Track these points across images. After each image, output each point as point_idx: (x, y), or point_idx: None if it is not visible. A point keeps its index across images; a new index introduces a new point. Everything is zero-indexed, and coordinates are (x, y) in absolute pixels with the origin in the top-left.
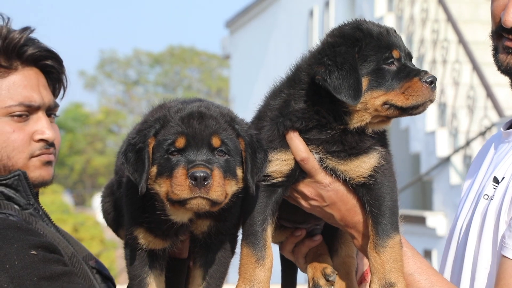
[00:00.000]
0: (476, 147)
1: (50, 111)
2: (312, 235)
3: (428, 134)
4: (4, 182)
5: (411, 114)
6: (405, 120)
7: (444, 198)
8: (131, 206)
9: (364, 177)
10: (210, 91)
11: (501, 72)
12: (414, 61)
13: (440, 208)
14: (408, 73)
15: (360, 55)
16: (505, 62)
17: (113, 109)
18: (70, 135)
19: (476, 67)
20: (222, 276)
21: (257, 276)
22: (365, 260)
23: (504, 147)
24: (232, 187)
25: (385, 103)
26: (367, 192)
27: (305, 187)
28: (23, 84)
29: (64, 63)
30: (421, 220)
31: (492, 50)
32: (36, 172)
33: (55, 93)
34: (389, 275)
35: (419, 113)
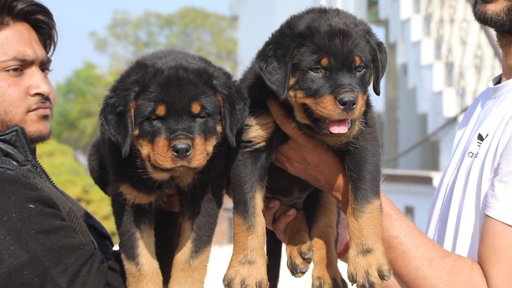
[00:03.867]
0: None
1: (43, 65)
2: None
3: (435, 94)
4: (2, 137)
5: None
6: (412, 80)
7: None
8: (113, 163)
9: (342, 144)
10: (221, 53)
11: (477, 21)
12: (420, 20)
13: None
14: (328, 86)
15: (299, 52)
16: (480, 10)
17: None
18: (81, 98)
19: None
20: (211, 227)
21: (250, 244)
22: None
23: (490, 103)
24: (213, 144)
25: (304, 104)
26: (348, 157)
27: (289, 150)
28: (16, 39)
29: (53, 17)
30: (428, 181)
31: (473, 1)
32: (33, 127)
33: (46, 49)
34: (367, 241)
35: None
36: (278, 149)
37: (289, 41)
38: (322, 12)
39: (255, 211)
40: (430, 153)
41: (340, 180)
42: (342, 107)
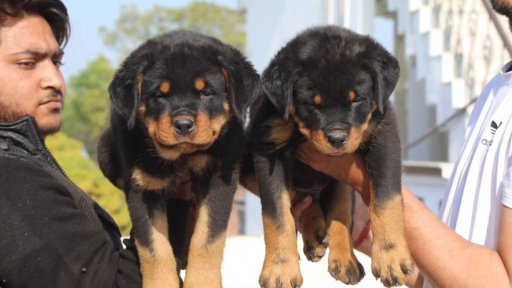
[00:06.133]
0: None
1: (55, 58)
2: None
3: (444, 85)
4: (13, 127)
5: None
6: (421, 72)
7: (460, 149)
8: (126, 148)
9: (360, 144)
10: None
11: (496, 11)
12: (429, 11)
13: (456, 159)
14: (323, 121)
15: (298, 82)
16: (501, 1)
17: None
18: (94, 90)
19: (492, 17)
20: (226, 211)
21: (281, 243)
22: (366, 217)
23: (503, 90)
24: (221, 122)
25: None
26: (368, 154)
27: (310, 148)
28: (29, 31)
29: (67, 11)
30: (437, 172)
31: None
32: (44, 119)
33: (58, 41)
34: (389, 236)
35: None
36: (301, 146)
37: (291, 66)
38: (323, 40)
39: (283, 211)
40: (439, 144)
41: (362, 175)
42: (331, 144)
